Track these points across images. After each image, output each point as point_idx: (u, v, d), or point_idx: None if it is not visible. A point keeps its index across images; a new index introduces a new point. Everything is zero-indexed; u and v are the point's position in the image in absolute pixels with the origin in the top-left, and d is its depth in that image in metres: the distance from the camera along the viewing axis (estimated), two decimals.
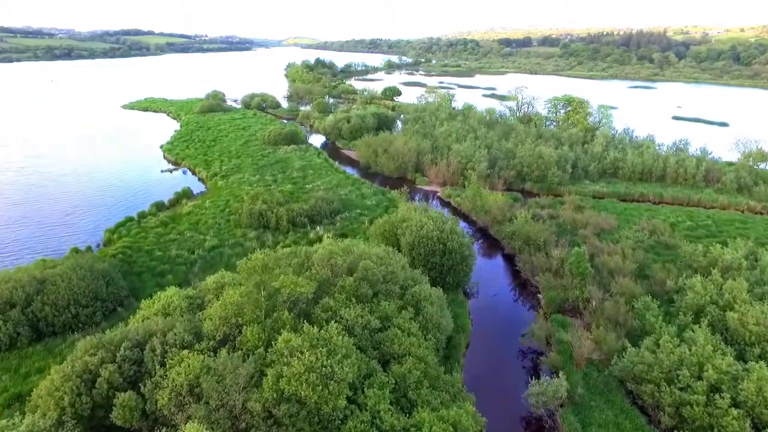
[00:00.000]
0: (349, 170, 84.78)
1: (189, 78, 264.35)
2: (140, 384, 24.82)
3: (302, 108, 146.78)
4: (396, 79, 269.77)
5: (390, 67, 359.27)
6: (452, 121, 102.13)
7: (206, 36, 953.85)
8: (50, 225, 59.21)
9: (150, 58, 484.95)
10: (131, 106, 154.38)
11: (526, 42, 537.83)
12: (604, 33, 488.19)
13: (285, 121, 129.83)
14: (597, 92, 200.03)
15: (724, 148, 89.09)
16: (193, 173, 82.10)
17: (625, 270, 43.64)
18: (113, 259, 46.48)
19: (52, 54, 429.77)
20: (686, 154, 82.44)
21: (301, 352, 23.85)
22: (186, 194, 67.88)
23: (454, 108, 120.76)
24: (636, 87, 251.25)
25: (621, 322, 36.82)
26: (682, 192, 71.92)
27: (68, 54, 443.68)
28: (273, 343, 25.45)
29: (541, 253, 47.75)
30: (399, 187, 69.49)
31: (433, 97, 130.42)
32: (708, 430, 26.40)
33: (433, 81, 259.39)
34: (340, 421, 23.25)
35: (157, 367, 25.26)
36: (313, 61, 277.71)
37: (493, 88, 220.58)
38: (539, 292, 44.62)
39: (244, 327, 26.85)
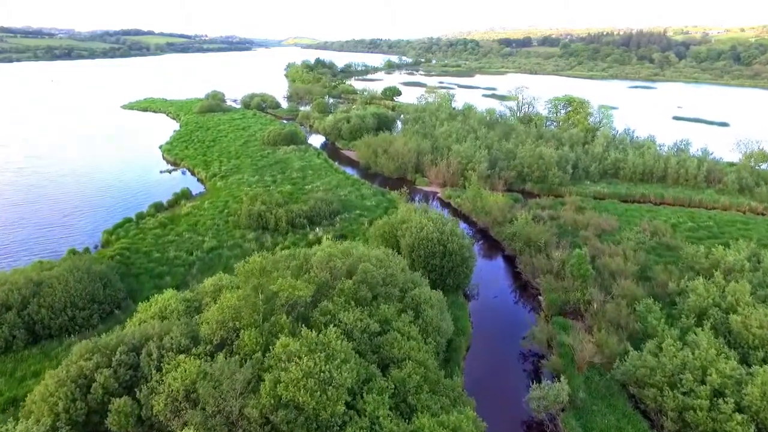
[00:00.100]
0: (348, 171, 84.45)
1: (189, 78, 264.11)
2: (136, 389, 24.48)
3: (302, 108, 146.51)
4: (396, 79, 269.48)
5: (390, 67, 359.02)
6: (452, 122, 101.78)
7: (206, 36, 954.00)
8: (48, 226, 58.89)
9: (150, 58, 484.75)
10: (131, 107, 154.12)
11: (526, 42, 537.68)
12: (604, 33, 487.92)
13: (285, 121, 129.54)
14: (597, 92, 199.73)
15: (725, 149, 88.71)
16: (192, 174, 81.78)
17: (627, 272, 43.27)
18: (111, 261, 46.13)
19: (52, 54, 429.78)
20: (687, 155, 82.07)
21: (299, 357, 23.51)
22: (185, 195, 67.59)
23: (454, 108, 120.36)
24: (636, 87, 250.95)
25: (623, 324, 36.48)
26: (684, 193, 71.55)
27: (68, 54, 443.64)
28: (271, 347, 25.11)
29: (541, 255, 47.40)
30: (399, 188, 69.15)
31: (433, 97, 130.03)
32: None
33: (433, 81, 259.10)
34: (338, 428, 22.89)
35: (153, 371, 24.92)
36: (313, 61, 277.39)
37: (493, 88, 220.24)
38: (540, 294, 44.28)
39: (242, 331, 26.52)
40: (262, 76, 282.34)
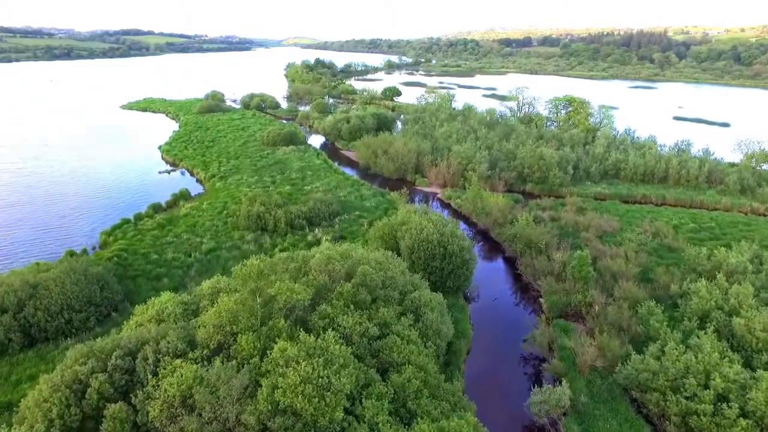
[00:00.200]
0: (348, 171, 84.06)
1: (188, 78, 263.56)
2: (131, 395, 24.09)
3: (301, 108, 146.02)
4: (396, 79, 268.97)
5: (390, 67, 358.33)
6: (452, 122, 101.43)
7: (206, 36, 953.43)
8: (46, 227, 58.50)
9: (149, 58, 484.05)
10: (130, 107, 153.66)
11: (526, 42, 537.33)
12: (605, 33, 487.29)
13: (284, 121, 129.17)
14: (598, 92, 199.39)
15: (726, 149, 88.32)
16: (191, 174, 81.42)
17: (628, 274, 42.87)
18: (108, 263, 45.70)
19: (52, 54, 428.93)
20: (688, 155, 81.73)
21: (297, 362, 23.15)
22: (183, 196, 67.20)
23: (454, 108, 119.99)
24: (636, 87, 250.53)
25: (624, 327, 36.10)
26: (685, 193, 71.17)
27: (68, 54, 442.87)
28: (268, 352, 24.74)
29: (542, 256, 47.02)
30: (399, 189, 68.71)
31: (433, 97, 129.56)
32: None
33: (433, 81, 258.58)
34: None
35: (150, 376, 24.52)
36: (312, 61, 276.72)
37: (493, 89, 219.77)
38: (541, 297, 43.91)
39: (239, 335, 26.13)
40: (262, 76, 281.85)
